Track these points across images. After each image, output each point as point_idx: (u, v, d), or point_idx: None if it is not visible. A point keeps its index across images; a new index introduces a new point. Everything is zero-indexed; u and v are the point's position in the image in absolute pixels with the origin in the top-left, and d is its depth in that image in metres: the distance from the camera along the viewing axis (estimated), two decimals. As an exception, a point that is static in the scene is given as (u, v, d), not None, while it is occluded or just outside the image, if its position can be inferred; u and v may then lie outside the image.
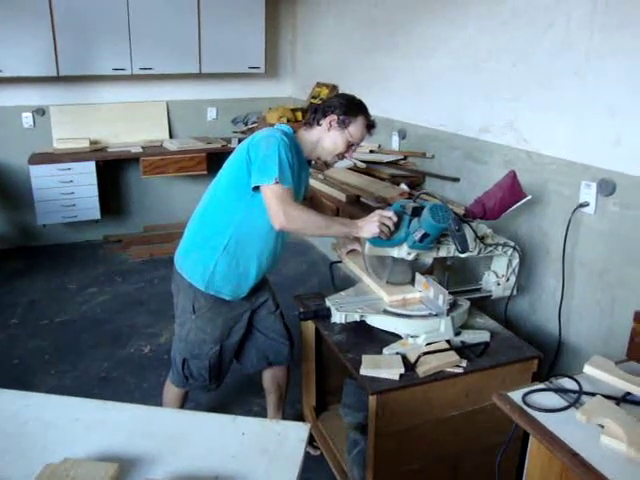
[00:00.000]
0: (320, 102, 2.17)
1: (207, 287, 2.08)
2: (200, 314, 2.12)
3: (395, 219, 1.95)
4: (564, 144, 2.48)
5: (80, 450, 1.24)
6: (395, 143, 3.86)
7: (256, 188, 1.92)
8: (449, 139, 3.29)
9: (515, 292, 2.35)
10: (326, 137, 2.07)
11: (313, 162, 2.20)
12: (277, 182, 1.85)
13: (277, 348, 2.36)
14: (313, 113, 2.10)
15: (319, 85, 4.92)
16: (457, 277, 2.29)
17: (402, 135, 3.78)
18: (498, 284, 2.30)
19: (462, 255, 2.08)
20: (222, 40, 4.86)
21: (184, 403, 2.38)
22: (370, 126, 2.11)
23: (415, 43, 3.58)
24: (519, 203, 2.40)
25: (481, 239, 2.15)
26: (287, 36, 5.54)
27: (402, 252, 2.03)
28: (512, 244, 2.26)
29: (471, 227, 2.11)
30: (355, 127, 2.06)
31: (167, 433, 1.33)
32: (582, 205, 2.37)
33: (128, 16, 4.51)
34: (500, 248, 2.23)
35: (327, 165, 2.26)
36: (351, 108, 2.06)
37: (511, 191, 2.36)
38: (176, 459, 1.24)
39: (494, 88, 2.89)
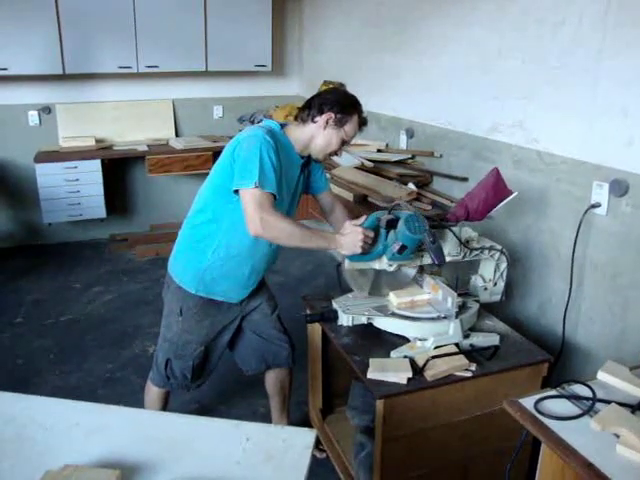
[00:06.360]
0: (314, 96, 2.07)
1: (197, 290, 2.06)
2: (187, 316, 2.10)
3: (371, 235, 1.88)
4: (575, 144, 2.44)
5: (80, 456, 1.21)
6: (403, 142, 3.82)
7: (237, 191, 1.86)
8: (458, 138, 3.25)
9: (504, 297, 2.23)
10: (320, 135, 2.00)
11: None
12: (257, 186, 1.78)
13: (275, 350, 2.32)
14: (307, 109, 2.02)
15: (326, 83, 4.88)
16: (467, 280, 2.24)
17: (410, 134, 3.74)
18: (485, 289, 2.19)
19: (439, 267, 2.01)
20: (228, 38, 4.84)
21: (166, 404, 2.35)
22: (362, 123, 2.06)
23: (423, 41, 3.53)
24: (505, 201, 2.29)
25: (466, 243, 2.07)
26: (294, 34, 5.51)
27: (383, 264, 1.96)
28: (499, 248, 2.14)
29: (453, 232, 2.02)
30: (350, 126, 2.01)
31: (169, 438, 1.30)
32: (594, 206, 2.32)
33: (134, 14, 4.50)
34: (487, 252, 2.13)
35: (317, 162, 2.16)
36: (348, 106, 2.00)
37: (495, 189, 2.23)
38: (179, 465, 1.21)
39: (504, 87, 2.85)
